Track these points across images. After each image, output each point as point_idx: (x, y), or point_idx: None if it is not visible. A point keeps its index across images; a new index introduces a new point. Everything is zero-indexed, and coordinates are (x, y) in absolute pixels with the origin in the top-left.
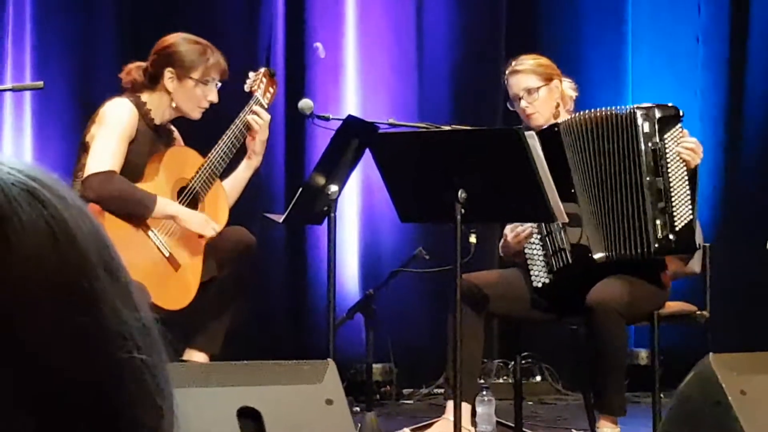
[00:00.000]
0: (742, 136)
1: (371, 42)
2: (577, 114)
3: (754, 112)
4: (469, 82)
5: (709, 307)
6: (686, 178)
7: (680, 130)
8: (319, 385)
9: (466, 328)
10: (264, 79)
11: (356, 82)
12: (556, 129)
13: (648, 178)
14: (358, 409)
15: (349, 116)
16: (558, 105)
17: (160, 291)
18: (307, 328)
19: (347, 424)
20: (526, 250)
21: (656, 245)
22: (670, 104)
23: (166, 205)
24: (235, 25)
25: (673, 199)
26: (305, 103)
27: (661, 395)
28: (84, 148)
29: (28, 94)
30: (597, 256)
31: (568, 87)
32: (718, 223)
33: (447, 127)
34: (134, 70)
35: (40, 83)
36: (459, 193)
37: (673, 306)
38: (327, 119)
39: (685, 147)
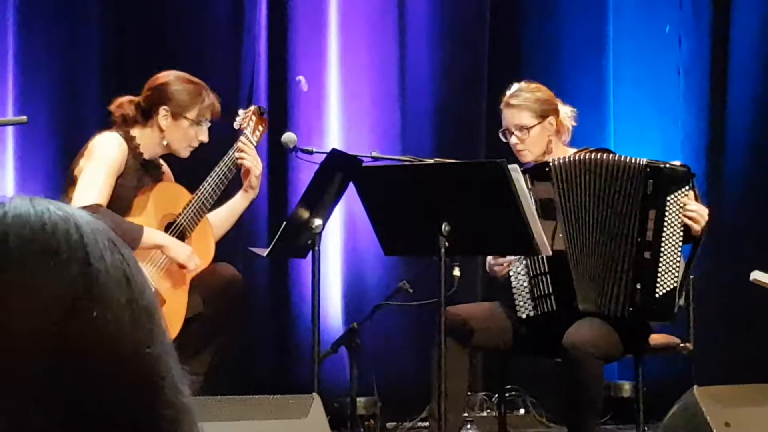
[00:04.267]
0: (724, 167)
1: (354, 75)
2: (571, 155)
3: (735, 143)
4: (452, 115)
5: (693, 339)
6: (680, 244)
7: (686, 192)
8: (305, 419)
9: (451, 362)
10: (254, 117)
11: (339, 115)
12: (547, 169)
13: (639, 239)
14: None
15: (333, 150)
16: (550, 141)
17: None
18: (291, 362)
19: None
20: (512, 282)
21: (630, 309)
22: (680, 163)
23: (154, 235)
24: (218, 59)
25: (660, 265)
26: (288, 137)
27: (646, 428)
28: (71, 182)
29: (10, 129)
30: (582, 307)
31: (566, 116)
32: (702, 255)
33: (430, 161)
34: (126, 104)
35: (24, 118)
36: (443, 226)
37: (657, 338)
38: (310, 153)
39: (687, 215)
